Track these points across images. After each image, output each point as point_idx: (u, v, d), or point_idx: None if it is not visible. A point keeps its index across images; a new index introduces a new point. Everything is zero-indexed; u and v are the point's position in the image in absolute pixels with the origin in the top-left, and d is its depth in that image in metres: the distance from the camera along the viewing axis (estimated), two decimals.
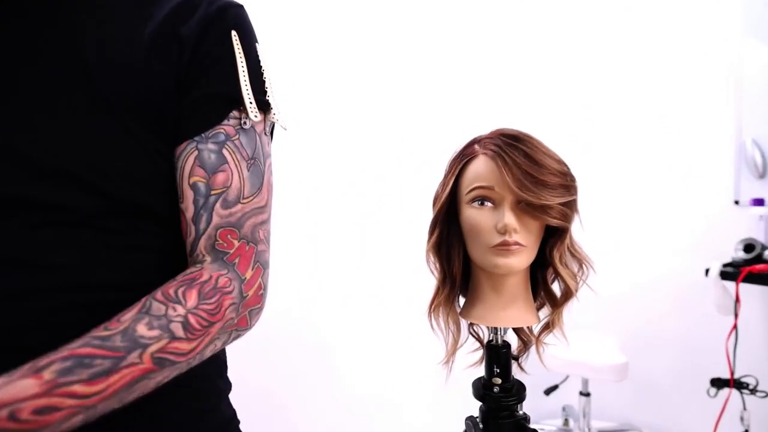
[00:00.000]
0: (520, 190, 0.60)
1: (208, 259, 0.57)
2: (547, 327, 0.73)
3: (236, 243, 0.58)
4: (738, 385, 1.95)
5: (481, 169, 0.65)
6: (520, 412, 0.71)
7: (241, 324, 0.57)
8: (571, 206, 0.64)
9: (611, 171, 2.61)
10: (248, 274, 0.58)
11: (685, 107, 2.45)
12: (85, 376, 0.44)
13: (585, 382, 2.33)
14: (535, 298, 0.74)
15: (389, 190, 2.01)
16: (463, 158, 0.68)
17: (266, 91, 0.63)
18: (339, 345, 1.99)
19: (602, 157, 2.60)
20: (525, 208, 0.62)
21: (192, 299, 0.52)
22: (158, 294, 0.53)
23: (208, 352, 0.55)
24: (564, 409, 2.64)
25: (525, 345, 0.77)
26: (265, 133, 0.64)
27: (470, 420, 0.73)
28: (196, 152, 0.58)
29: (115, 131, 0.56)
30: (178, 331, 0.50)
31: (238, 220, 0.58)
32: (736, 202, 2.28)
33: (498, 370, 0.71)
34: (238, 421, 0.75)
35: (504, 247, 0.62)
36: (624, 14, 2.58)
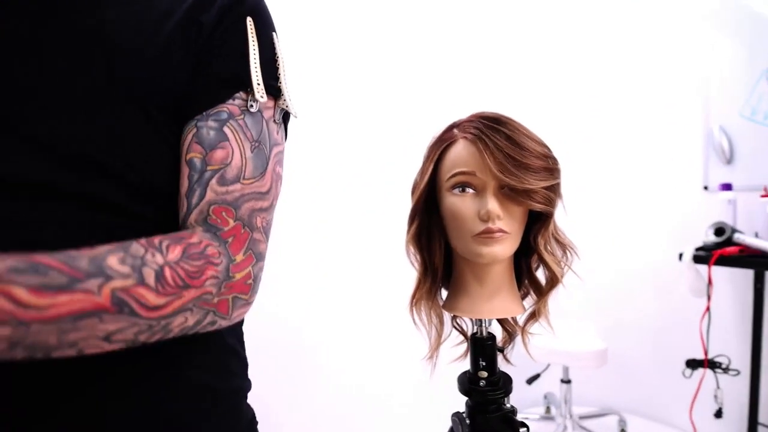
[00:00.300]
0: (503, 174, 0.57)
1: (200, 228, 0.52)
2: (533, 316, 0.70)
3: (231, 222, 0.53)
4: (712, 365, 1.98)
5: (461, 153, 0.61)
6: (507, 405, 0.69)
7: (221, 308, 0.51)
8: (554, 190, 0.61)
9: (584, 161, 2.61)
10: (239, 258, 0.52)
11: (656, 99, 2.47)
12: (33, 282, 0.38)
13: (566, 370, 2.34)
14: (518, 287, 0.71)
15: (370, 185, 1.97)
16: (442, 143, 0.64)
17: (278, 78, 0.60)
18: (324, 342, 1.95)
19: (573, 148, 2.60)
20: (508, 193, 0.59)
21: (174, 254, 0.47)
22: (142, 239, 0.47)
23: (176, 326, 0.48)
24: (546, 397, 2.64)
25: (510, 336, 0.74)
26: (275, 121, 0.60)
27: (456, 416, 0.70)
28: (195, 129, 0.55)
29: (136, 120, 0.54)
30: (150, 278, 0.45)
31: (236, 200, 0.54)
32: (706, 188, 2.31)
33: (484, 364, 0.68)
34: (257, 422, 0.71)
35: (487, 235, 0.58)
36: (596, 5, 2.59)
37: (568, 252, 0.67)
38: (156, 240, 0.48)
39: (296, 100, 0.67)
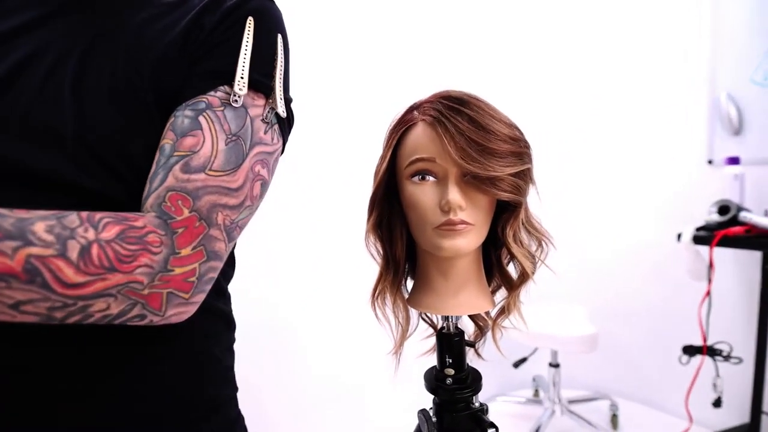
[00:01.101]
0: (464, 160, 0.56)
1: (152, 214, 0.54)
2: (504, 311, 0.70)
3: (186, 212, 0.53)
4: (711, 351, 2.00)
5: (420, 138, 0.60)
6: (476, 404, 0.70)
7: (152, 303, 0.52)
8: (524, 177, 0.61)
9: (577, 131, 2.61)
10: (185, 251, 0.53)
11: (656, 64, 2.43)
12: None
13: (554, 354, 2.39)
14: (490, 280, 0.71)
15: (352, 178, 2.00)
16: (401, 127, 0.63)
17: (273, 77, 0.62)
18: (302, 326, 2.00)
19: (566, 116, 2.59)
20: (471, 181, 0.58)
21: (110, 233, 0.48)
22: (83, 212, 0.49)
23: (96, 311, 0.49)
24: (534, 379, 2.70)
25: (481, 330, 0.75)
26: (264, 120, 0.61)
27: (423, 414, 0.72)
28: (172, 119, 0.58)
29: (139, 119, 0.58)
30: (73, 252, 0.46)
31: (196, 190, 0.54)
32: (710, 162, 2.29)
33: (450, 360, 0.69)
34: (243, 418, 0.76)
35: (449, 227, 0.58)
36: None
37: (543, 243, 0.67)
38: (98, 215, 0.49)
39: (298, 103, 0.70)
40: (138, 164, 0.57)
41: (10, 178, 0.54)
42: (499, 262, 0.69)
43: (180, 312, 0.55)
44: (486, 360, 0.75)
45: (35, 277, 0.44)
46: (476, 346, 0.74)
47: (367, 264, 0.74)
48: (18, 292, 0.44)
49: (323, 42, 1.94)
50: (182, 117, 0.57)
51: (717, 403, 2.02)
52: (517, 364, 2.54)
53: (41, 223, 0.45)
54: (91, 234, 0.47)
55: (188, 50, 0.60)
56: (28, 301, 0.45)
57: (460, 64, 2.32)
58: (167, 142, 0.56)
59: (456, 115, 0.57)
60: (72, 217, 0.48)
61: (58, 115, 0.56)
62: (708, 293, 1.95)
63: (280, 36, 0.65)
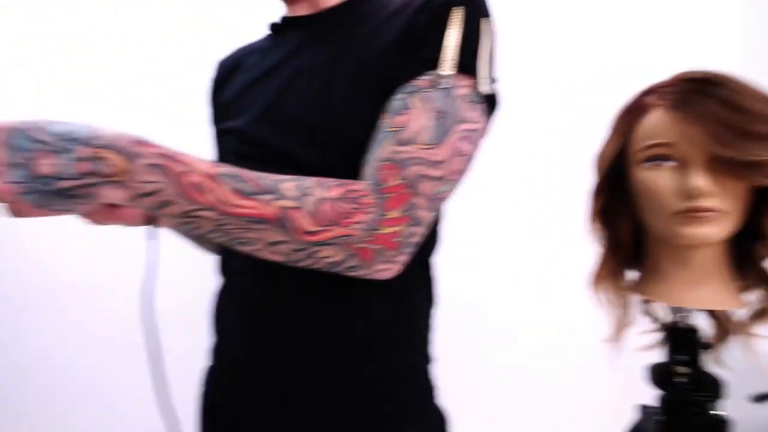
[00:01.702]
0: (719, 144, 0.56)
1: (369, 181, 0.64)
2: (761, 315, 0.67)
3: (395, 180, 0.63)
4: None
5: (658, 123, 0.62)
6: (716, 412, 0.67)
7: (364, 256, 0.63)
8: None
9: None
10: (392, 214, 0.62)
11: None
12: (233, 185, 0.57)
13: None
14: (741, 277, 0.68)
15: (558, 161, 1.99)
16: (634, 113, 0.65)
17: (476, 57, 0.69)
18: (492, 310, 2.03)
19: None
20: (722, 166, 0.57)
21: (334, 193, 0.61)
22: (318, 178, 0.63)
23: (322, 257, 0.62)
24: None
25: (723, 333, 0.71)
26: (469, 100, 0.68)
27: (646, 410, 0.72)
28: (389, 103, 0.68)
29: (368, 111, 0.70)
30: (309, 205, 0.59)
31: (404, 161, 0.63)
32: None
33: (683, 358, 0.68)
34: (435, 389, 0.83)
35: (692, 214, 0.59)
36: None
37: None
38: (327, 179, 0.63)
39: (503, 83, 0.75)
40: (363, 143, 0.70)
41: (277, 161, 0.71)
42: (753, 257, 0.67)
43: (385, 269, 0.66)
44: (731, 368, 0.71)
45: (283, 222, 0.59)
46: (715, 349, 0.71)
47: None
48: (272, 233, 0.59)
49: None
50: (396, 101, 0.67)
51: None
52: (759, 399, 2.21)
53: (289, 183, 0.60)
54: (321, 193, 0.61)
55: (404, 47, 0.70)
56: (278, 242, 0.60)
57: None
58: (384, 122, 0.67)
59: (704, 98, 0.58)
60: (309, 180, 0.62)
61: (312, 117, 0.73)
62: None
63: (484, 20, 0.70)
